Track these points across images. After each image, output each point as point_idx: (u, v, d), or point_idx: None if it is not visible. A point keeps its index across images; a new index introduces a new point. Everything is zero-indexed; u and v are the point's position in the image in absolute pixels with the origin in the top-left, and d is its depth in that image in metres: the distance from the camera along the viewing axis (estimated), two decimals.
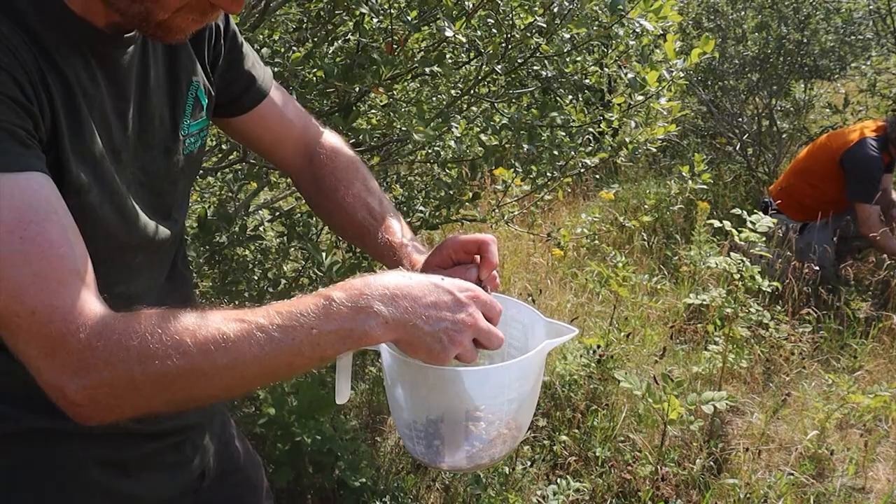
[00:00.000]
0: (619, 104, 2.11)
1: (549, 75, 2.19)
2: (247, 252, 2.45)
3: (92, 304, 0.79)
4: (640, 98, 2.00)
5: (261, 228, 2.48)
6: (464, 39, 1.77)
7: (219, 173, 2.36)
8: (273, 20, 2.08)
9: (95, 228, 0.90)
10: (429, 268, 1.06)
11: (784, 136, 5.75)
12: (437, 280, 0.88)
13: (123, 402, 0.80)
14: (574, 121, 2.08)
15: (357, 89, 1.81)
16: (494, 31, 2.01)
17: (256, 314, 0.81)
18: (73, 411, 0.80)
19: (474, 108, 2.67)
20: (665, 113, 2.09)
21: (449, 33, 1.68)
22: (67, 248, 0.80)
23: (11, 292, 0.77)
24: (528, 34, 1.91)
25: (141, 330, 0.78)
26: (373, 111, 2.23)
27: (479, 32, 2.04)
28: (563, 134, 2.09)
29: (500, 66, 1.94)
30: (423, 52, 1.93)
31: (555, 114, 1.98)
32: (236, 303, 2.29)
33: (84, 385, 0.77)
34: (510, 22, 1.93)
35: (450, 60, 2.27)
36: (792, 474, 2.61)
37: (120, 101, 0.96)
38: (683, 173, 2.51)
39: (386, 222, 1.17)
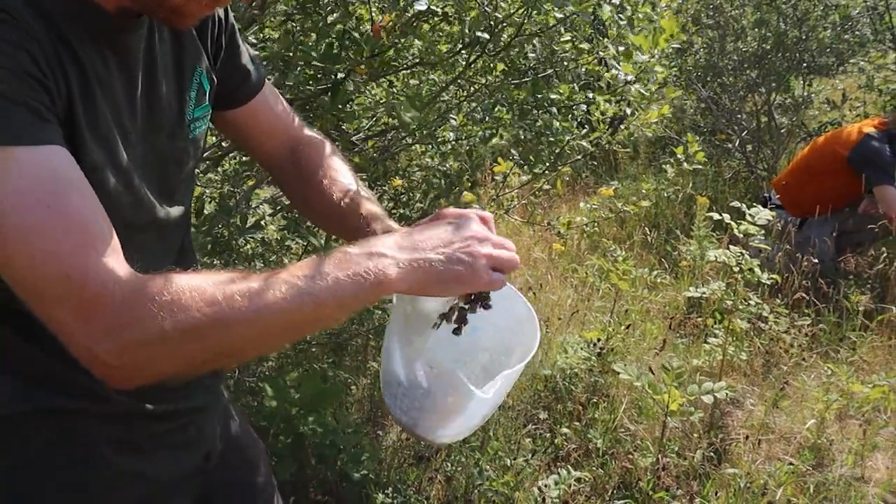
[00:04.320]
0: (609, 79, 2.11)
1: (541, 57, 2.20)
2: (248, 245, 2.47)
3: (123, 266, 0.82)
4: (630, 68, 2.00)
5: (262, 222, 2.50)
6: (438, 10, 1.78)
7: (219, 166, 2.37)
8: (268, 14, 2.10)
9: (110, 206, 0.92)
10: None
11: (783, 131, 5.76)
12: (429, 223, 0.97)
13: (155, 359, 0.82)
14: (566, 101, 2.09)
15: (339, 69, 1.83)
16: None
17: (279, 271, 0.86)
18: (106, 373, 0.82)
19: (473, 103, 2.68)
20: (657, 80, 2.10)
21: (421, 6, 1.69)
22: (93, 215, 0.83)
23: (42, 260, 0.79)
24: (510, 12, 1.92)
25: (171, 286, 0.81)
26: (361, 94, 2.24)
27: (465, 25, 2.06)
28: (557, 117, 2.11)
29: (482, 33, 1.94)
30: (404, 35, 1.94)
31: (545, 92, 1.98)
32: None
33: (117, 345, 0.80)
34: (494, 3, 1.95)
35: (445, 51, 2.29)
36: (792, 464, 2.62)
37: (129, 85, 0.98)
38: (678, 155, 2.52)
39: (363, 201, 1.21)
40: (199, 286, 0.82)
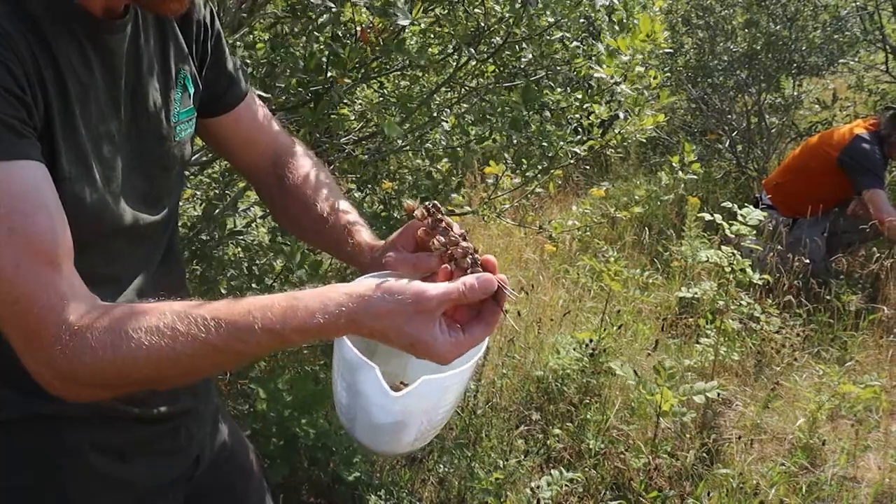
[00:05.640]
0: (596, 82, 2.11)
1: (530, 57, 2.19)
2: (238, 250, 2.46)
3: (69, 299, 0.83)
4: (611, 70, 2.00)
5: (252, 226, 2.48)
6: (422, 25, 1.77)
7: (207, 169, 2.36)
8: (257, 17, 2.09)
9: (83, 215, 0.92)
10: (392, 247, 1.07)
11: (773, 131, 5.78)
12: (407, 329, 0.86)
13: (94, 388, 0.86)
14: (562, 108, 2.09)
15: (322, 80, 1.83)
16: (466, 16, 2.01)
17: (228, 316, 0.84)
18: (52, 392, 0.85)
19: (465, 104, 2.68)
20: (650, 85, 2.10)
21: (404, 22, 1.68)
22: (53, 240, 0.83)
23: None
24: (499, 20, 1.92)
25: (117, 325, 0.82)
26: (345, 105, 2.24)
27: (449, 29, 2.04)
28: (551, 125, 2.11)
29: (471, 48, 1.93)
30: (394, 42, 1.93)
31: (536, 96, 1.98)
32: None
33: (55, 375, 0.83)
34: (482, 10, 1.94)
35: (436, 52, 2.28)
36: (784, 464, 2.63)
37: (114, 88, 0.97)
38: (673, 163, 2.52)
39: (346, 214, 1.19)
40: (146, 328, 0.82)
